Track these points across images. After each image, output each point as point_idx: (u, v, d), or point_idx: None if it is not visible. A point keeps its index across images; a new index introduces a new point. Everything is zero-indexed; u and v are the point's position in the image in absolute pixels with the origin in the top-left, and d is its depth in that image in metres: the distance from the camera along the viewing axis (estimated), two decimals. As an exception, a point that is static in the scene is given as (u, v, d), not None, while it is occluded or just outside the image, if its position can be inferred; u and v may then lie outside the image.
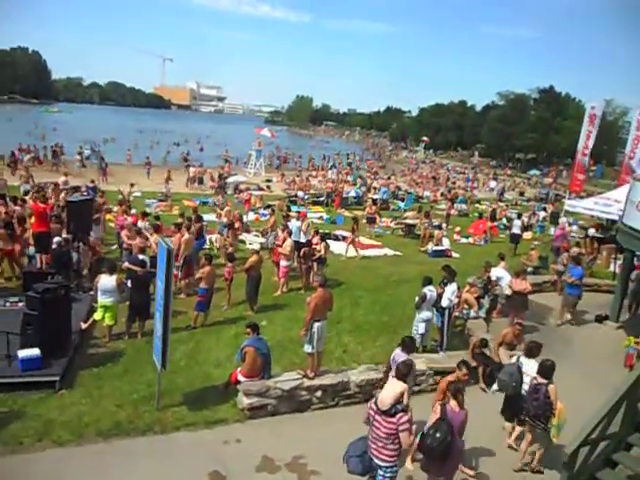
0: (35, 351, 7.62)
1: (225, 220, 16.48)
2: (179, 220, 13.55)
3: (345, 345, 9.98)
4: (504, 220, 25.25)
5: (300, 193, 27.54)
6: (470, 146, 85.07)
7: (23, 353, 7.57)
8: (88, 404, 7.39)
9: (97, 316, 9.17)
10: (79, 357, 8.60)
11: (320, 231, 14.61)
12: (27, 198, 14.55)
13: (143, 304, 9.54)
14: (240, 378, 7.68)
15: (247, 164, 38.77)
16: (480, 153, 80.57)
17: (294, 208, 21.67)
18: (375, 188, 31.47)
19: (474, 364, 8.53)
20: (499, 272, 11.74)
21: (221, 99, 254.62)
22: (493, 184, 44.86)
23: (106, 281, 9.10)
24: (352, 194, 29.02)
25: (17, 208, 13.18)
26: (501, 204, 32.09)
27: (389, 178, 39.44)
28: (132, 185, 22.01)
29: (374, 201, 25.18)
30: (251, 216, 20.98)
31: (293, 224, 13.88)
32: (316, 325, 7.81)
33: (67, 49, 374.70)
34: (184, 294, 11.43)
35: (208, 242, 15.62)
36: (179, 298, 11.07)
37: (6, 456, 6.25)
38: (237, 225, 15.77)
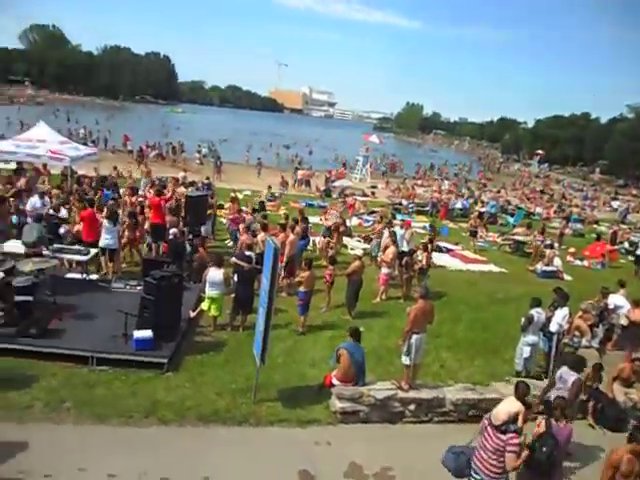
0: (148, 333, 8.18)
1: (330, 223, 16.69)
2: (283, 221, 13.95)
3: (443, 361, 9.68)
4: (626, 244, 23.17)
5: (404, 201, 27.24)
6: (590, 162, 79.13)
7: (138, 333, 8.16)
8: (191, 388, 7.79)
9: (204, 306, 9.67)
10: (185, 343, 9.10)
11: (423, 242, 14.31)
12: (146, 191, 15.74)
13: (247, 298, 9.90)
14: (334, 381, 7.72)
15: (353, 169, 39.10)
16: (602, 170, 74.69)
17: (399, 216, 21.46)
18: (483, 201, 30.33)
19: (584, 397, 7.90)
20: (618, 300, 10.80)
21: (332, 104, 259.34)
22: (616, 204, 41.38)
23: (214, 274, 9.55)
24: (458, 205, 28.17)
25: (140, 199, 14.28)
26: (623, 226, 29.50)
27: (499, 191, 37.84)
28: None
29: (481, 214, 24.24)
30: (354, 221, 21.09)
31: (397, 232, 13.73)
32: (415, 337, 7.66)
33: (193, 54, 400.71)
34: (285, 293, 11.72)
35: (311, 243, 15.93)
36: (280, 297, 11.34)
37: (118, 426, 6.77)
38: (341, 229, 15.88)
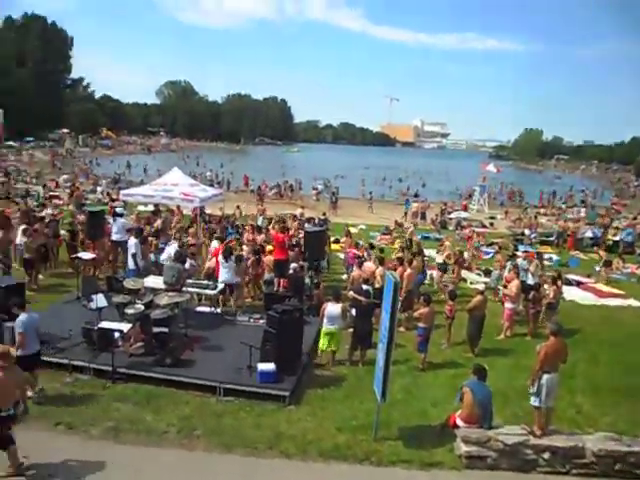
0: (271, 366, 8.44)
1: (444, 256, 16.26)
2: (399, 254, 13.84)
3: (579, 406, 8.83)
4: None
5: (527, 231, 25.77)
6: None
7: (262, 366, 8.44)
8: (312, 422, 7.85)
9: (322, 341, 9.74)
10: (306, 377, 9.24)
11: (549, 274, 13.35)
12: (270, 227, 16.48)
13: (366, 333, 9.86)
14: (459, 422, 7.36)
15: (470, 200, 37.97)
16: None
17: (521, 247, 20.33)
18: (618, 228, 27.75)
19: None
20: None
21: (444, 135, 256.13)
22: None
23: (332, 308, 9.65)
24: (588, 234, 26.03)
25: (262, 236, 14.98)
26: None
27: (635, 218, 34.42)
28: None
29: (615, 243, 22.16)
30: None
31: (520, 264, 13.00)
32: (545, 377, 7.11)
33: (308, 95, 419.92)
34: (403, 327, 11.51)
35: (428, 278, 15.59)
36: (398, 331, 11.14)
37: (244, 456, 6.99)
38: (459, 262, 15.38)
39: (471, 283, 15.67)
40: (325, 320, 9.62)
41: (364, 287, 10.42)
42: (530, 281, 12.67)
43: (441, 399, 8.67)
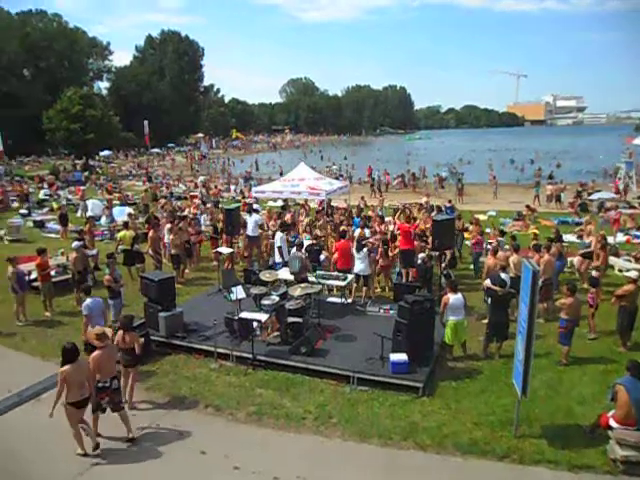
0: (404, 356, 8.40)
1: (587, 241, 14.93)
2: (534, 241, 12.99)
3: None
4: None
5: (686, 211, 22.79)
6: None
7: (394, 357, 8.44)
8: (447, 415, 7.70)
9: (448, 333, 9.43)
10: (439, 369, 9.07)
11: None
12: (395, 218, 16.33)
13: (502, 324, 9.40)
14: (612, 423, 6.74)
15: (614, 179, 34.42)
16: None
17: (679, 229, 18.04)
18: None
19: None
20: None
21: (580, 109, 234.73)
22: None
23: (454, 299, 9.33)
24: None
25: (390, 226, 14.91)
26: None
27: None
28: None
29: None
30: (620, 238, 18.44)
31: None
32: None
33: (428, 81, 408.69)
34: (542, 319, 10.80)
35: (568, 265, 14.46)
36: (537, 322, 10.49)
37: (379, 447, 7.05)
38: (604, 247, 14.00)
39: (619, 270, 14.27)
40: (448, 312, 9.33)
41: (502, 275, 9.90)
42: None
43: (589, 397, 8.04)
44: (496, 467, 6.62)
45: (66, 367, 6.62)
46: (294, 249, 12.09)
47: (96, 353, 7.02)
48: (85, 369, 6.82)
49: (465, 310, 9.57)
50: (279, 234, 13.42)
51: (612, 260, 14.65)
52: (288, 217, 16.51)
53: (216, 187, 33.01)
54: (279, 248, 13.10)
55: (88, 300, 9.26)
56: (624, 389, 6.68)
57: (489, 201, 29.37)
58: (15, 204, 28.36)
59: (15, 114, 56.48)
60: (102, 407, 7.09)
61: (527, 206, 23.26)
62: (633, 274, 10.08)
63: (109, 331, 7.56)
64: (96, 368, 6.94)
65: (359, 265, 11.91)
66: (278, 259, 13.11)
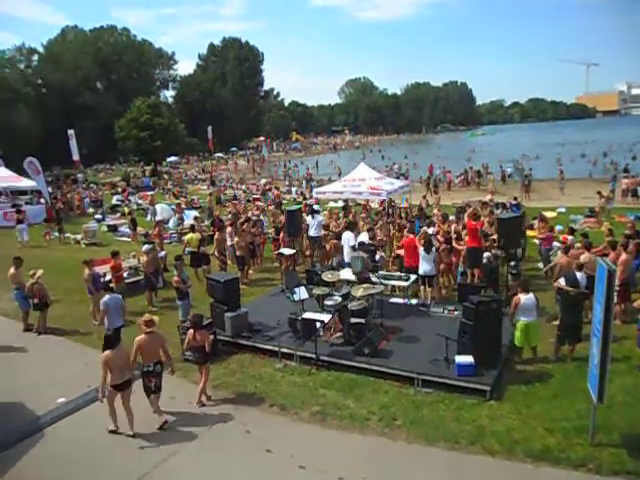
0: (470, 358, 8.18)
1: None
2: (608, 237, 12.29)
3: None
4: None
5: None
6: None
7: (460, 359, 8.24)
8: (517, 420, 7.44)
9: (517, 336, 9.10)
10: (507, 372, 8.77)
11: None
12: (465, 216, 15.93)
13: (574, 326, 8.97)
14: (700, 433, 6.28)
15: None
16: None
17: None
18: None
19: None
20: None
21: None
22: None
23: (525, 299, 8.97)
24: None
25: (454, 225, 14.58)
26: None
27: None
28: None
29: None
30: None
31: None
32: None
33: (491, 75, 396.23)
34: (619, 321, 10.21)
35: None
36: (614, 324, 9.94)
37: (446, 450, 6.91)
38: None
39: None
40: (519, 313, 8.98)
41: (577, 274, 9.43)
42: None
43: (675, 405, 7.51)
44: (571, 476, 6.32)
45: (107, 352, 7.25)
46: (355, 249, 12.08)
47: (141, 337, 7.60)
48: (125, 355, 7.43)
49: (537, 311, 9.21)
50: (348, 233, 13.46)
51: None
52: (350, 217, 16.51)
53: (278, 189, 33.53)
54: (352, 247, 13.03)
55: (106, 297, 10.00)
56: None
57: (557, 197, 28.16)
58: (90, 210, 30.01)
59: (89, 125, 60.02)
60: (152, 389, 7.64)
61: (599, 192, 22.09)
62: None
63: (156, 319, 8.02)
64: (138, 351, 7.51)
65: (425, 266, 11.73)
66: (347, 258, 13.05)
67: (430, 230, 13.76)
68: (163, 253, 15.73)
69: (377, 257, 13.16)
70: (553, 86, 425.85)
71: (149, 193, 34.34)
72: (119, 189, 37.92)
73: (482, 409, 7.76)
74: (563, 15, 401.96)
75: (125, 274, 13.62)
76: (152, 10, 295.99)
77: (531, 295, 9.02)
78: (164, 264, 15.26)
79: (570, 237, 13.18)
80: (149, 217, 25.47)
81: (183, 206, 25.80)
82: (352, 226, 14.01)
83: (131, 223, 21.47)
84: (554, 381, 8.48)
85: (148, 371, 7.60)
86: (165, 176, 51.19)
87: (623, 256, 10.63)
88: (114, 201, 32.22)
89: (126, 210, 27.56)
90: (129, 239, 21.24)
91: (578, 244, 12.09)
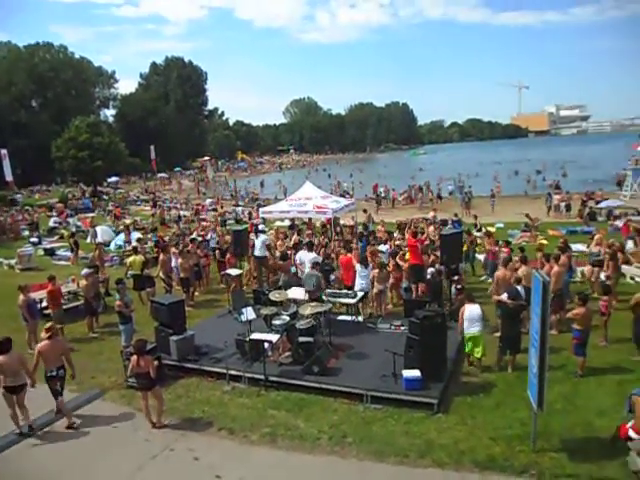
0: (417, 373, 8.33)
1: (596, 250, 14.90)
2: (539, 252, 12.91)
3: None
4: None
5: (696, 216, 22.63)
6: None
7: (407, 373, 8.37)
8: (463, 431, 7.60)
9: (468, 349, 9.39)
10: (453, 384, 8.98)
11: None
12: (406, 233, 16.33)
13: (514, 337, 9.32)
14: (631, 434, 6.62)
15: (621, 187, 34.34)
16: None
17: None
18: None
19: None
20: None
21: (584, 118, 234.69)
22: None
23: (471, 310, 9.27)
24: None
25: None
26: None
27: None
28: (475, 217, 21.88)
29: None
30: (630, 245, 18.29)
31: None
32: None
33: (431, 96, 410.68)
34: (555, 330, 10.69)
35: (579, 275, 14.38)
36: (550, 334, 10.38)
37: (395, 465, 6.95)
38: (620, 256, 13.88)
39: (631, 278, 14.16)
40: (466, 323, 9.26)
41: (518, 287, 9.82)
42: None
43: (607, 408, 7.90)
44: (515, 483, 6.52)
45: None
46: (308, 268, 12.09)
47: (42, 344, 8.10)
48: (16, 359, 7.70)
49: (482, 322, 9.49)
50: (305, 252, 13.31)
51: (624, 268, 14.53)
52: (295, 237, 16.54)
53: (222, 207, 33.26)
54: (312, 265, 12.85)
55: None
56: (640, 399, 6.59)
57: (496, 213, 29.33)
58: (25, 233, 28.66)
59: (24, 144, 57.49)
60: (59, 392, 8.07)
61: (527, 215, 23.18)
62: (644, 281, 10.00)
63: (58, 326, 8.84)
64: (39, 357, 7.94)
65: (361, 282, 11.90)
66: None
67: (383, 248, 14.03)
68: (104, 277, 15.19)
69: (332, 277, 13.27)
70: (490, 107, 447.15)
71: (89, 215, 33.23)
72: (55, 211, 36.42)
73: (430, 422, 7.89)
74: (498, 41, 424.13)
75: (63, 299, 13.04)
76: (92, 28, 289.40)
77: (477, 306, 9.32)
78: (106, 288, 14.74)
79: (505, 250, 13.75)
80: (89, 239, 24.63)
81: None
82: (310, 246, 13.85)
83: (74, 245, 20.64)
84: (497, 391, 8.75)
85: (52, 376, 7.94)
86: (105, 197, 49.69)
87: (555, 268, 11.17)
88: (51, 223, 30.91)
89: (65, 233, 26.49)
90: (68, 262, 20.40)
91: (516, 258, 12.62)
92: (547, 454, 6.94)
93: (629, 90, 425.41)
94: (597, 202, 28.06)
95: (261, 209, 20.67)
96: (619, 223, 21.44)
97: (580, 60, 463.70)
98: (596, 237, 15.97)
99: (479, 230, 18.65)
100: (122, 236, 22.74)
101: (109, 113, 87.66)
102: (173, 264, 14.45)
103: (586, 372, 9.12)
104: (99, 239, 22.99)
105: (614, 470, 6.56)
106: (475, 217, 21.29)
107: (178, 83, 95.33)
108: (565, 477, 6.51)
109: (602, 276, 12.98)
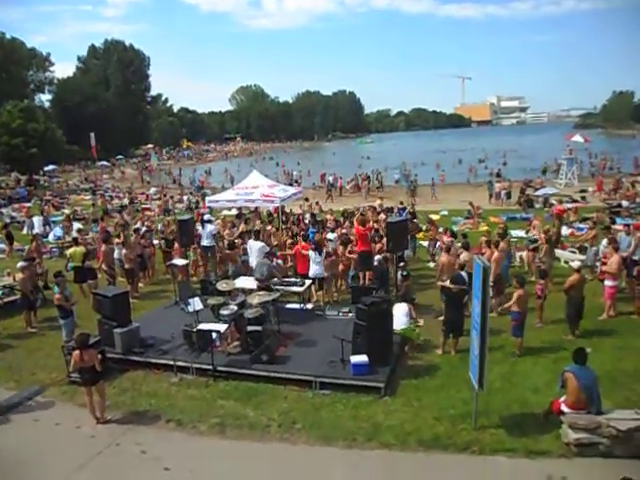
0: (364, 358, 8.50)
1: (534, 235, 15.60)
2: (484, 238, 13.40)
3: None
4: None
5: (625, 202, 24.03)
6: None
7: (355, 359, 8.53)
8: (409, 413, 7.82)
9: (408, 332, 9.70)
10: (399, 367, 9.23)
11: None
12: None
13: (457, 321, 9.66)
14: (564, 409, 7.04)
15: (557, 175, 36.00)
16: None
17: (619, 220, 18.96)
18: None
19: None
20: None
21: (523, 109, 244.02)
22: None
23: (399, 308, 9.61)
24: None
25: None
26: None
27: None
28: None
29: None
30: (565, 231, 19.25)
31: (622, 238, 12.19)
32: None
33: (377, 85, 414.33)
34: (495, 313, 11.13)
35: (518, 259, 15.02)
36: (491, 316, 10.80)
37: (344, 448, 7.10)
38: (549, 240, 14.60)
39: (565, 262, 14.90)
40: (395, 321, 9.65)
41: (462, 273, 10.15)
42: (636, 257, 11.80)
43: (542, 386, 8.33)
44: (458, 459, 6.77)
45: None
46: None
47: None
48: None
49: (408, 319, 10.00)
50: (256, 242, 13.14)
51: (558, 253, 15.28)
52: (243, 226, 16.38)
53: (165, 196, 32.56)
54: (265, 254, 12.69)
55: None
56: (573, 376, 6.98)
57: (443, 200, 30.06)
58: (-46, 225, 26.99)
59: (-50, 131, 53.81)
60: None
61: (470, 203, 23.96)
62: (576, 264, 10.57)
63: None
64: None
65: (315, 268, 11.99)
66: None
67: (331, 235, 14.11)
68: (40, 270, 14.54)
69: (274, 264, 13.22)
70: (434, 97, 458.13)
71: (26, 205, 31.66)
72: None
73: (378, 405, 8.08)
74: (442, 32, 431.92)
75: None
76: (24, 6, 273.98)
77: (404, 304, 10.04)
78: (44, 281, 14.15)
79: (448, 239, 14.14)
80: (25, 230, 23.50)
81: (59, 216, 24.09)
82: (257, 234, 13.72)
83: (6, 238, 19.63)
84: (441, 373, 9.05)
85: None
86: (44, 184, 47.44)
87: (495, 254, 11.62)
88: (-18, 214, 29.27)
89: (-1, 224, 25.13)
90: (3, 255, 19.41)
91: (458, 244, 13.03)
92: (487, 431, 7.26)
93: (564, 83, 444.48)
94: (535, 190, 29.26)
95: (207, 198, 20.33)
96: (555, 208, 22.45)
97: (519, 53, 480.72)
98: (534, 223, 16.71)
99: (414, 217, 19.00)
100: (60, 227, 21.83)
101: (45, 98, 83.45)
102: (116, 255, 14.03)
103: (523, 352, 9.58)
104: (36, 230, 21.99)
105: (548, 443, 6.93)
106: (401, 203, 21.78)
107: (119, 67, 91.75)
108: (504, 451, 6.83)
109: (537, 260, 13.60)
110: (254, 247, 12.88)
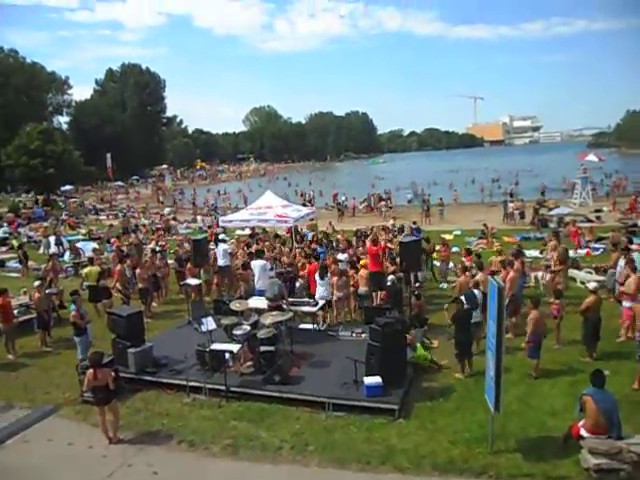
0: (378, 379, 8.42)
1: (549, 255, 15.44)
2: (499, 257, 13.30)
3: None
4: None
5: (641, 222, 23.73)
6: None
7: (368, 380, 8.45)
8: (423, 436, 7.70)
9: (418, 352, 9.60)
10: (413, 389, 9.11)
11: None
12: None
13: (466, 343, 9.55)
14: (583, 433, 6.87)
15: (571, 194, 35.75)
16: None
17: (635, 239, 18.71)
18: None
19: None
20: None
21: (536, 129, 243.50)
22: None
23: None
24: None
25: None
26: None
27: None
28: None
29: None
30: (581, 251, 19.06)
31: (637, 258, 12.03)
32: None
33: (389, 106, 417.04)
34: (511, 334, 11.00)
35: (533, 279, 14.87)
36: (506, 337, 10.68)
37: (357, 472, 6.99)
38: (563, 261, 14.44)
39: (582, 282, 14.70)
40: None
41: (476, 292, 10.06)
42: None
43: (560, 409, 8.18)
44: (474, 484, 6.65)
45: None
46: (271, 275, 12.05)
47: None
48: None
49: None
50: (259, 261, 13.20)
51: (574, 273, 15.11)
52: (255, 247, 16.44)
53: (162, 217, 32.98)
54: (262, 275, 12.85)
55: None
56: (592, 400, 6.83)
57: (456, 221, 29.93)
58: (-27, 244, 27.42)
59: (-29, 152, 55.06)
60: None
61: (484, 224, 23.84)
62: (592, 285, 10.43)
63: None
64: None
65: (322, 291, 12.00)
66: (259, 286, 12.78)
67: (342, 256, 14.10)
68: (57, 289, 14.68)
69: (297, 285, 13.25)
70: (447, 117, 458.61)
71: (43, 224, 32.13)
72: (4, 221, 35.00)
73: (392, 428, 7.97)
74: (454, 53, 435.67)
75: (15, 312, 12.54)
76: (46, 31, 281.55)
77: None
78: (60, 300, 14.27)
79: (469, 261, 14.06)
80: (42, 250, 23.80)
81: (78, 237, 24.39)
82: (260, 253, 13.83)
83: (23, 257, 19.89)
84: (456, 395, 8.92)
85: None
86: (61, 205, 48.15)
87: (511, 274, 11.51)
88: (1, 234, 29.71)
89: (15, 243, 25.51)
90: (19, 274, 19.66)
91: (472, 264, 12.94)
92: (504, 455, 7.11)
93: (577, 102, 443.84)
94: (549, 209, 29.05)
95: (221, 218, 20.48)
96: (571, 229, 22.21)
97: (532, 73, 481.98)
98: (550, 244, 16.52)
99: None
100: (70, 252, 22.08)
101: (63, 120, 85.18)
102: (129, 274, 14.14)
103: (540, 374, 9.42)
104: (52, 249, 22.27)
105: (567, 468, 6.77)
106: (414, 222, 21.78)
107: (135, 90, 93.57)
108: (522, 477, 6.68)
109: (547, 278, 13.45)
110: (256, 266, 12.98)
